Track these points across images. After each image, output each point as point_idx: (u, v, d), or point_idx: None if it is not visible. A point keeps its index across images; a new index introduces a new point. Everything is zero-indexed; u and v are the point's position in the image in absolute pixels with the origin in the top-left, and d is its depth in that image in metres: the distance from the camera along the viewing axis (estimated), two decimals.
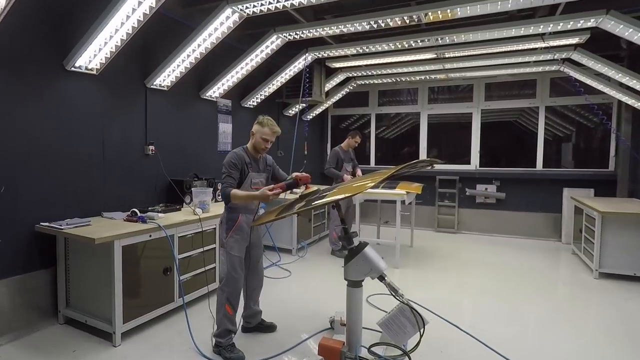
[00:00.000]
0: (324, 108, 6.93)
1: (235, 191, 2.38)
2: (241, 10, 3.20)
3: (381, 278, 2.39)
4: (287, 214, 2.02)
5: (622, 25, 3.25)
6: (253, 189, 2.52)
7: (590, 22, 3.38)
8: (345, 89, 6.70)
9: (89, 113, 3.13)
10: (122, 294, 2.62)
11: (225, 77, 4.26)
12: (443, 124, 6.98)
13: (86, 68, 3.02)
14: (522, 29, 3.69)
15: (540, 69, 5.23)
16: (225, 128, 4.79)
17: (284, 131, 6.22)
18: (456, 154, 6.87)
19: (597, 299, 3.72)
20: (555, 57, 4.39)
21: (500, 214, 6.38)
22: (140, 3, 2.72)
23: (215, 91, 4.40)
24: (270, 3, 3.10)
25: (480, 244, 5.84)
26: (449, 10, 3.30)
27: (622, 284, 4.03)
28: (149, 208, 3.37)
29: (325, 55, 4.76)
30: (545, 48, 4.20)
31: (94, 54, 2.95)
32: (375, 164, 7.37)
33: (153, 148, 3.64)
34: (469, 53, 4.73)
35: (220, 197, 2.48)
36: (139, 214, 3.03)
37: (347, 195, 2.48)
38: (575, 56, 4.40)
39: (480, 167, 6.52)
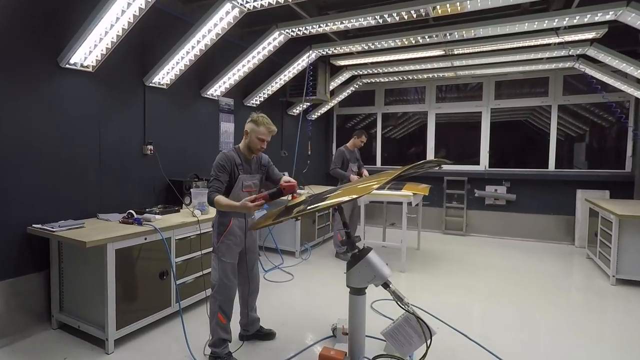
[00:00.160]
0: (329, 107, 6.80)
1: (218, 198, 2.22)
2: (241, 4, 3.09)
3: (386, 285, 2.25)
4: (284, 218, 1.90)
5: None
6: (245, 192, 2.39)
7: (609, 15, 3.20)
8: (351, 88, 6.56)
9: (85, 111, 3.05)
10: (116, 299, 2.52)
11: (226, 75, 4.15)
12: (451, 124, 6.81)
13: (82, 65, 2.93)
14: (536, 23, 3.52)
15: (553, 65, 5.03)
16: (227, 127, 4.68)
17: (288, 131, 6.15)
18: (465, 154, 6.68)
19: (614, 306, 3.53)
20: (570, 53, 4.19)
21: (510, 216, 6.18)
22: None
23: (217, 90, 4.30)
24: None
25: (489, 247, 5.66)
26: (458, 4, 3.16)
27: None
28: (147, 209, 3.27)
29: (330, 52, 4.63)
30: (559, 44, 4.02)
31: (89, 51, 2.86)
32: (381, 165, 7.21)
33: (151, 148, 3.55)
34: (479, 49, 4.56)
35: (207, 200, 2.33)
36: (135, 215, 2.93)
37: (352, 197, 2.34)
38: (591, 52, 4.21)
39: (489, 167, 6.33)
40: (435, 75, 5.98)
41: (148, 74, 3.49)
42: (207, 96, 4.29)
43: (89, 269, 2.61)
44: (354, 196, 2.31)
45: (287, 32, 3.87)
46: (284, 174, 2.51)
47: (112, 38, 2.85)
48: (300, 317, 3.19)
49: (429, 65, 5.34)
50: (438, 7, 3.22)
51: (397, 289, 2.26)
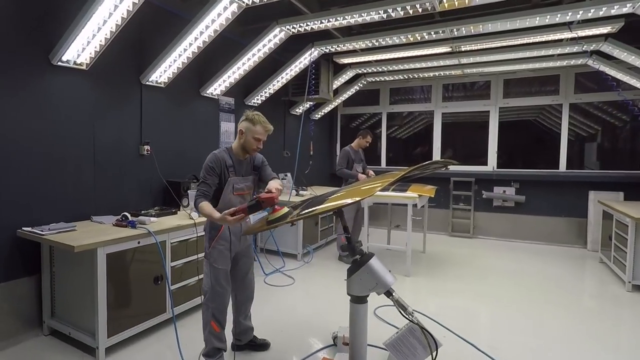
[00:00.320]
0: (332, 107, 6.67)
1: (202, 205, 2.08)
2: None
3: (388, 294, 2.12)
4: (279, 223, 1.79)
5: None
6: (236, 195, 2.27)
7: (627, 8, 3.03)
8: (355, 87, 6.43)
9: (78, 110, 2.95)
10: (107, 306, 2.42)
11: (226, 74, 4.05)
12: (458, 123, 6.64)
13: (75, 62, 2.84)
14: (548, 17, 3.35)
15: (565, 62, 4.85)
16: (227, 127, 4.58)
17: (291, 131, 6.03)
18: (472, 154, 6.52)
19: (630, 314, 3.36)
20: (584, 49, 4.02)
21: (519, 218, 6.00)
22: None
23: (217, 88, 4.19)
24: None
25: (497, 250, 5.49)
26: None
27: None
28: (142, 211, 3.17)
29: (333, 49, 4.50)
30: (572, 39, 3.84)
31: (82, 48, 2.76)
32: (386, 165, 7.07)
33: (148, 148, 3.45)
34: (487, 46, 4.40)
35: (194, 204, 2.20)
36: (129, 218, 2.84)
37: (354, 200, 2.21)
38: (605, 48, 4.03)
39: (497, 168, 6.16)
40: (442, 73, 5.82)
41: (145, 72, 3.39)
42: (207, 95, 4.19)
43: (81, 274, 2.51)
44: (357, 199, 2.18)
45: (287, 29, 3.75)
46: (276, 177, 2.35)
47: (106, 34, 2.76)
48: (299, 323, 3.07)
49: (435, 63, 5.19)
50: (445, 0, 3.07)
51: (400, 297, 2.13)
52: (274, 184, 2.00)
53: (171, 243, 2.89)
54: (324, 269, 4.51)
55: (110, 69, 3.16)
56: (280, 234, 4.78)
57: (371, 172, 4.79)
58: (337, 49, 4.48)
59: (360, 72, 5.83)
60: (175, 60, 3.40)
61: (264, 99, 5.00)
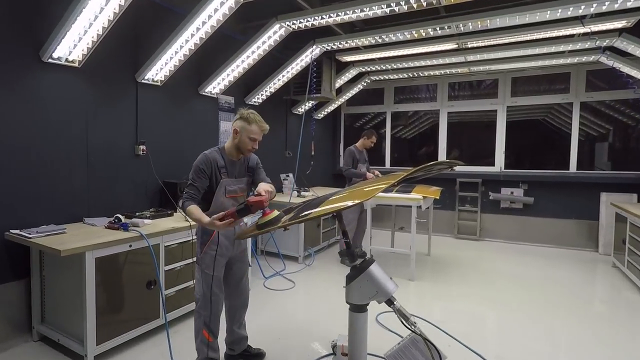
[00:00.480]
0: (336, 106, 6.55)
1: (190, 208, 1.98)
2: None
3: (390, 302, 2.00)
4: (271, 227, 1.68)
5: None
6: (229, 198, 2.15)
7: None
8: (359, 86, 6.30)
9: (71, 109, 2.87)
10: (97, 312, 2.33)
11: (225, 72, 3.95)
12: (464, 123, 6.48)
13: (66, 60, 2.75)
14: (559, 11, 3.20)
15: (576, 59, 4.68)
16: (227, 127, 4.48)
17: (293, 130, 5.92)
18: (479, 154, 6.35)
19: None
20: (597, 44, 3.85)
21: (527, 220, 5.83)
22: None
23: (216, 87, 4.09)
24: None
25: (505, 253, 5.33)
26: None
27: None
28: (137, 213, 3.08)
29: (335, 47, 4.38)
30: (584, 34, 3.68)
31: (74, 44, 2.67)
32: (390, 166, 6.93)
33: (144, 148, 3.36)
34: (495, 42, 4.25)
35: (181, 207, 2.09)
36: (122, 220, 2.75)
37: (355, 202, 2.09)
38: (619, 43, 3.86)
39: (505, 169, 5.99)
40: (448, 71, 5.67)
41: (140, 70, 3.30)
42: (206, 94, 4.09)
43: (70, 278, 2.42)
44: (356, 201, 2.06)
45: (287, 25, 3.64)
46: (269, 182, 2.23)
47: (98, 30, 2.67)
48: (298, 330, 2.95)
49: (440, 61, 5.05)
50: None
51: (402, 306, 2.01)
52: (263, 187, 1.88)
53: (165, 246, 2.79)
54: (326, 272, 4.39)
55: (104, 67, 3.07)
56: (281, 236, 4.67)
57: (377, 172, 4.67)
58: (340, 46, 4.37)
59: (363, 70, 5.70)
60: (171, 58, 3.31)
61: (264, 98, 4.89)
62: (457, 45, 4.39)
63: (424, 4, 3.12)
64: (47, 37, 2.60)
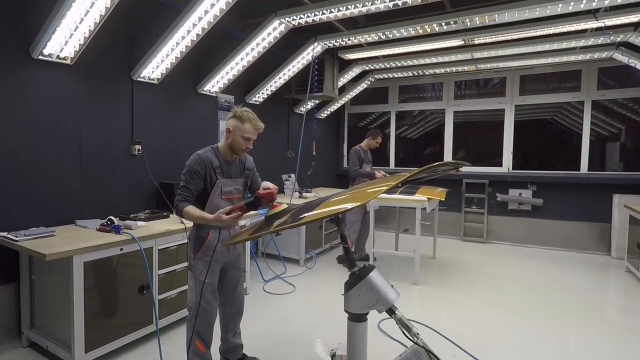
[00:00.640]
0: (339, 105, 6.43)
1: (188, 209, 1.89)
2: None
3: (391, 312, 1.88)
4: (262, 232, 1.57)
5: None
6: (224, 199, 2.04)
7: None
8: (362, 84, 6.17)
9: (63, 108, 2.78)
10: (85, 318, 2.23)
11: (224, 69, 3.85)
12: (471, 122, 6.32)
13: (58, 57, 2.67)
14: (571, 4, 3.05)
15: (588, 56, 4.51)
16: None
17: (295, 130, 5.81)
18: (485, 155, 6.19)
19: None
20: (611, 39, 3.68)
21: (536, 222, 5.65)
22: None
23: (215, 85, 4.00)
24: None
25: (512, 256, 5.17)
26: None
27: None
28: (131, 215, 2.99)
29: (337, 44, 4.26)
30: (597, 29, 3.52)
31: (65, 40, 2.59)
32: (395, 166, 6.79)
33: (139, 148, 3.27)
34: (503, 38, 4.10)
35: (174, 211, 2.00)
36: (115, 222, 2.65)
37: (354, 205, 1.97)
38: (634, 38, 3.69)
39: (513, 169, 5.82)
40: (454, 69, 5.53)
41: (135, 67, 3.21)
42: (204, 92, 4.00)
43: (58, 283, 2.33)
44: (356, 204, 1.94)
45: (288, 21, 3.53)
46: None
47: (89, 26, 2.58)
48: (297, 337, 2.84)
49: (446, 58, 4.91)
50: None
51: (404, 316, 1.89)
52: (268, 183, 1.89)
53: (159, 249, 2.70)
54: (328, 275, 4.27)
55: (98, 64, 2.99)
56: (282, 238, 4.56)
57: (382, 172, 4.56)
58: (342, 43, 4.25)
59: (367, 68, 5.57)
60: (167, 55, 3.21)
61: (265, 96, 4.78)
62: (463, 42, 4.25)
63: None
64: (37, 32, 2.51)
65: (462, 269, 4.54)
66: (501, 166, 5.90)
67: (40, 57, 2.58)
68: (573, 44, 4.12)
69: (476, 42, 4.27)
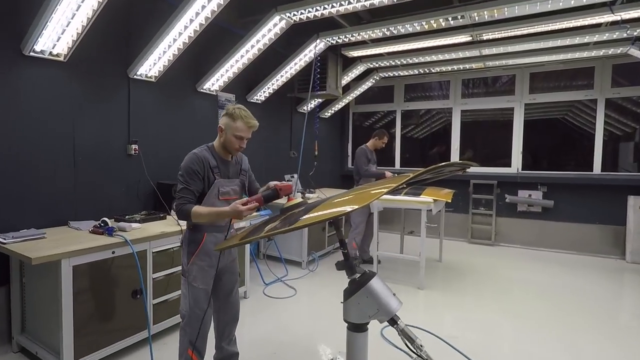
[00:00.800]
0: (343, 104, 6.32)
1: (197, 208, 1.80)
2: None
3: (393, 322, 1.76)
4: (253, 237, 1.46)
5: None
6: (222, 200, 1.94)
7: None
8: (367, 83, 6.05)
9: (56, 106, 2.71)
10: (75, 324, 2.15)
11: (223, 67, 3.76)
12: (479, 122, 6.16)
13: (50, 53, 2.59)
14: None
15: (602, 52, 4.33)
16: None
17: (298, 129, 5.71)
18: (494, 155, 6.03)
19: None
20: (627, 33, 3.51)
21: (546, 224, 5.48)
22: None
23: (214, 83, 3.91)
24: None
25: (522, 260, 5.00)
26: None
27: None
28: (127, 216, 2.91)
29: (340, 41, 4.14)
30: (613, 23, 3.35)
31: (57, 36, 2.51)
32: (400, 166, 6.65)
33: (136, 147, 3.19)
34: (512, 33, 3.95)
35: (177, 216, 1.90)
36: (109, 224, 2.57)
37: (353, 208, 1.85)
38: None
39: (522, 170, 5.65)
40: (461, 67, 5.37)
41: (132, 64, 3.13)
42: (204, 91, 3.91)
43: (48, 287, 2.25)
44: (355, 206, 1.82)
45: (288, 17, 3.42)
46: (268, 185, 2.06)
47: (82, 21, 2.50)
48: (296, 344, 2.73)
49: (453, 55, 4.77)
50: None
51: (407, 326, 1.76)
52: (273, 183, 1.90)
53: (153, 252, 2.61)
54: (330, 278, 4.16)
55: (93, 61, 2.91)
56: (284, 240, 4.46)
57: (391, 173, 4.44)
58: (345, 40, 4.13)
59: (372, 66, 5.45)
60: (164, 52, 3.13)
61: (267, 95, 4.68)
62: (471, 38, 4.11)
63: None
64: (28, 28, 2.44)
65: (469, 273, 4.40)
66: (510, 166, 5.73)
67: (32, 53, 2.51)
68: (587, 39, 3.95)
69: (484, 38, 4.12)
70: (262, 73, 4.46)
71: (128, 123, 3.20)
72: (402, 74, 5.85)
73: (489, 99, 5.94)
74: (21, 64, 2.51)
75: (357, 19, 4.11)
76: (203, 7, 2.87)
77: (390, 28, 3.78)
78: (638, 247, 4.49)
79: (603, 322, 3.14)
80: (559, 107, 5.57)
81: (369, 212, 4.39)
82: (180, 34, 3.03)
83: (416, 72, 5.70)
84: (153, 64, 3.20)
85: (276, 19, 3.43)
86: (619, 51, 4.24)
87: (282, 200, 1.90)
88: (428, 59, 4.96)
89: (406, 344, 1.75)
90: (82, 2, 2.37)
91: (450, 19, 3.50)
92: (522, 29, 3.78)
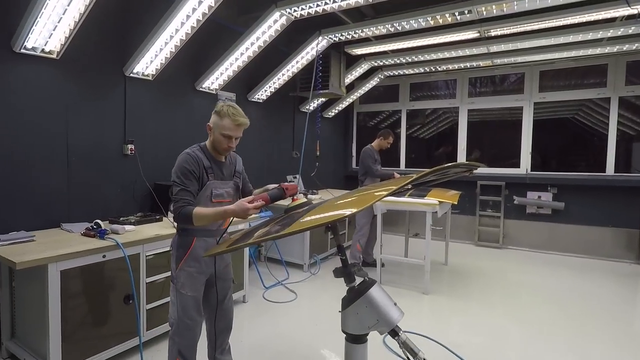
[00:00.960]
0: (347, 103, 6.20)
1: (199, 209, 1.69)
2: None
3: (394, 334, 1.65)
4: (243, 243, 1.36)
5: None
6: (214, 202, 1.84)
7: None
8: (371, 82, 5.93)
9: (48, 105, 2.63)
10: (63, 330, 2.07)
11: (223, 65, 3.67)
12: (486, 122, 6.00)
13: (42, 50, 2.52)
14: None
15: (615, 48, 4.16)
16: None
17: (301, 129, 5.60)
18: (502, 155, 5.87)
19: None
20: None
21: (556, 227, 5.31)
22: None
23: (214, 82, 3.82)
24: None
25: (531, 264, 4.85)
26: None
27: None
28: (121, 218, 2.83)
29: (343, 38, 4.04)
30: (628, 17, 3.19)
31: (49, 32, 2.44)
32: (406, 167, 6.51)
33: (132, 147, 3.11)
34: (522, 29, 3.80)
35: (176, 220, 1.79)
36: (102, 226, 2.49)
37: (353, 210, 1.75)
38: None
39: (531, 171, 5.49)
40: (468, 65, 5.23)
41: (128, 62, 3.05)
42: (203, 90, 3.83)
43: (36, 292, 2.17)
44: (354, 210, 1.71)
45: (289, 13, 3.32)
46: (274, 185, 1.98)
47: (74, 17, 2.42)
48: (295, 351, 2.63)
49: (460, 52, 4.63)
50: None
51: (409, 338, 1.65)
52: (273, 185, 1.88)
53: (147, 256, 2.52)
54: (332, 282, 4.04)
55: (87, 59, 2.84)
56: (285, 242, 4.36)
57: (398, 175, 4.34)
58: (348, 37, 4.02)
59: (376, 64, 5.33)
60: (161, 49, 3.04)
61: (268, 94, 4.59)
62: (478, 34, 3.97)
63: None
64: (18, 24, 2.37)
65: (476, 277, 4.26)
66: (519, 167, 5.57)
67: (23, 50, 2.44)
68: (600, 34, 3.79)
69: (492, 34, 3.98)
70: (263, 71, 4.37)
71: (124, 122, 3.12)
72: (407, 72, 5.73)
73: (497, 97, 5.79)
74: (12, 62, 2.44)
75: (360, 15, 4.00)
76: (200, 2, 2.78)
77: (395, 24, 3.67)
78: None
79: (615, 329, 2.99)
80: (569, 106, 5.40)
81: (373, 214, 4.28)
82: (177, 30, 2.94)
83: (422, 70, 5.57)
84: (150, 62, 3.11)
85: (276, 15, 3.34)
86: (634, 47, 4.07)
87: (285, 201, 1.82)
88: (434, 56, 4.83)
89: (408, 358, 1.64)
90: None
91: (456, 14, 3.37)
92: (532, 24, 3.64)
